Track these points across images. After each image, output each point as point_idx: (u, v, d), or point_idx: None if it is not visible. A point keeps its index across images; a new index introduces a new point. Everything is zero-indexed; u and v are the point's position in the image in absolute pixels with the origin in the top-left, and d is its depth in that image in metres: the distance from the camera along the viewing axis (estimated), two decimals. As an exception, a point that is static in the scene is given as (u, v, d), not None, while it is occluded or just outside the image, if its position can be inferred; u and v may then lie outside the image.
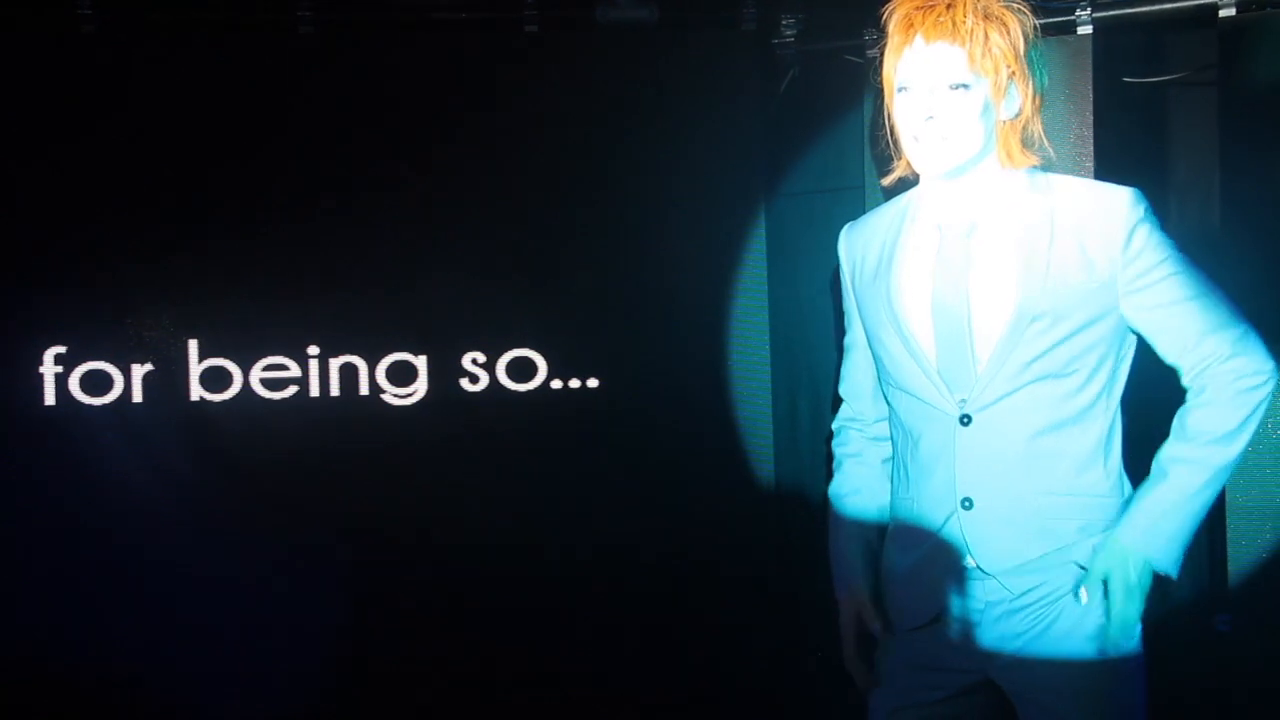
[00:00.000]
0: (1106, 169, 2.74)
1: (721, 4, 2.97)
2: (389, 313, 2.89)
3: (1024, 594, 2.14)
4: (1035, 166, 2.16)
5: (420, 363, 2.91)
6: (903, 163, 2.18)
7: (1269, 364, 2.11)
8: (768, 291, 2.97)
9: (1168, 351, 2.13)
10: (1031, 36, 2.11)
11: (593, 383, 2.96)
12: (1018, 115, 2.12)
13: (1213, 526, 2.71)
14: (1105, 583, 2.09)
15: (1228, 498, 2.63)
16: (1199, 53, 2.83)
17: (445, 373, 2.91)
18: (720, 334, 2.98)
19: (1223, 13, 2.65)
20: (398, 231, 2.90)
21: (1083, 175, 2.75)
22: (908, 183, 2.23)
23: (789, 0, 2.99)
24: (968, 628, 2.19)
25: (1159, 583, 2.11)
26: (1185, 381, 2.13)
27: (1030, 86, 2.12)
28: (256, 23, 2.88)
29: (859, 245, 2.32)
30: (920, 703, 2.24)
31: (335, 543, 2.90)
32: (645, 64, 2.95)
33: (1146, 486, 2.12)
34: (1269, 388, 2.10)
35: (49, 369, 2.79)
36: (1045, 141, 2.16)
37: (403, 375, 2.90)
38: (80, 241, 2.79)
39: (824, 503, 2.44)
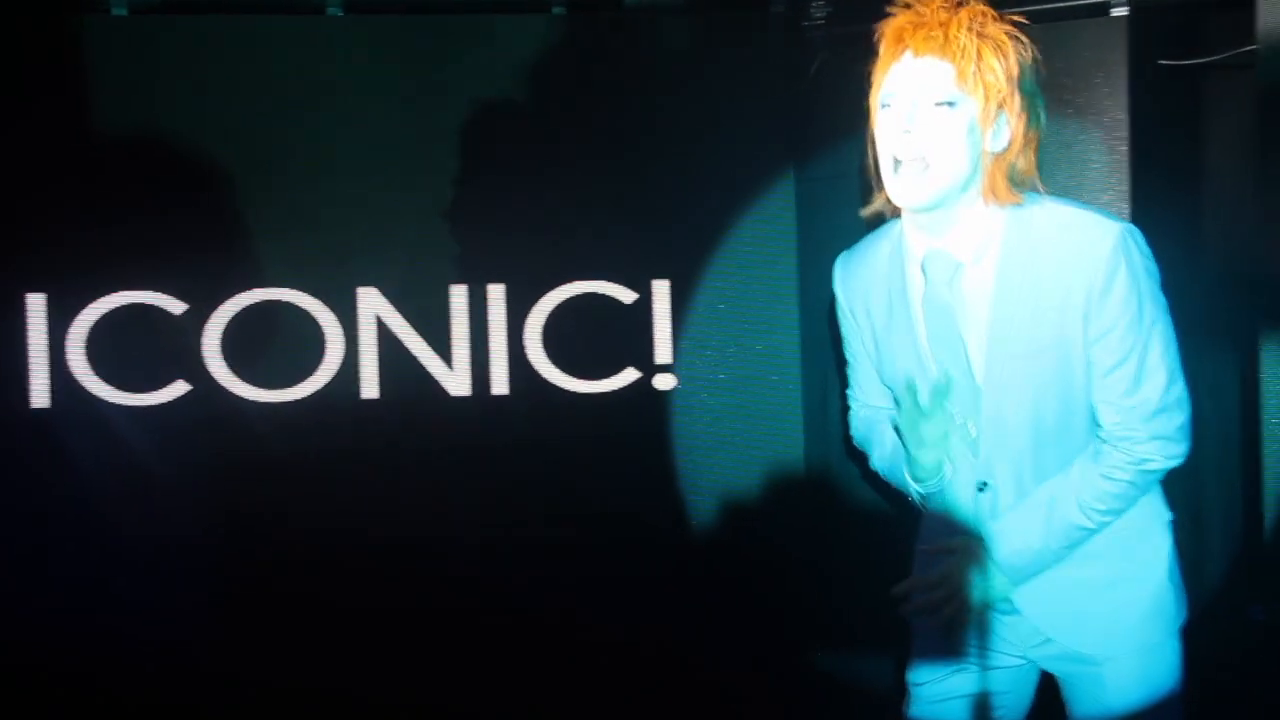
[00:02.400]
0: (1141, 153, 2.73)
1: None
2: (418, 307, 2.89)
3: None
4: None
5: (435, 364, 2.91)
6: (882, 195, 2.10)
7: (1162, 454, 2.08)
8: (797, 274, 2.95)
9: (1097, 401, 2.09)
10: (1028, 67, 2.03)
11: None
12: (1006, 148, 2.04)
13: (1248, 517, 2.71)
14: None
15: (1264, 487, 2.60)
16: (1237, 34, 2.78)
17: (478, 369, 2.91)
18: (749, 318, 2.96)
19: None
20: (418, 218, 2.90)
21: (1116, 160, 2.74)
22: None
23: None
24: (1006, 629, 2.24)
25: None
26: (1100, 433, 2.11)
27: (1023, 120, 2.03)
28: (288, 4, 2.89)
29: (859, 286, 2.28)
30: (959, 673, 2.27)
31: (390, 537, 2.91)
32: (673, 46, 2.93)
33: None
34: (1156, 468, 2.10)
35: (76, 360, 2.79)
36: (1037, 180, 2.08)
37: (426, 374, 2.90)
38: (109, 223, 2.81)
39: (852, 488, 2.46)
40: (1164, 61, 2.85)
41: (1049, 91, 2.72)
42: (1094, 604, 2.15)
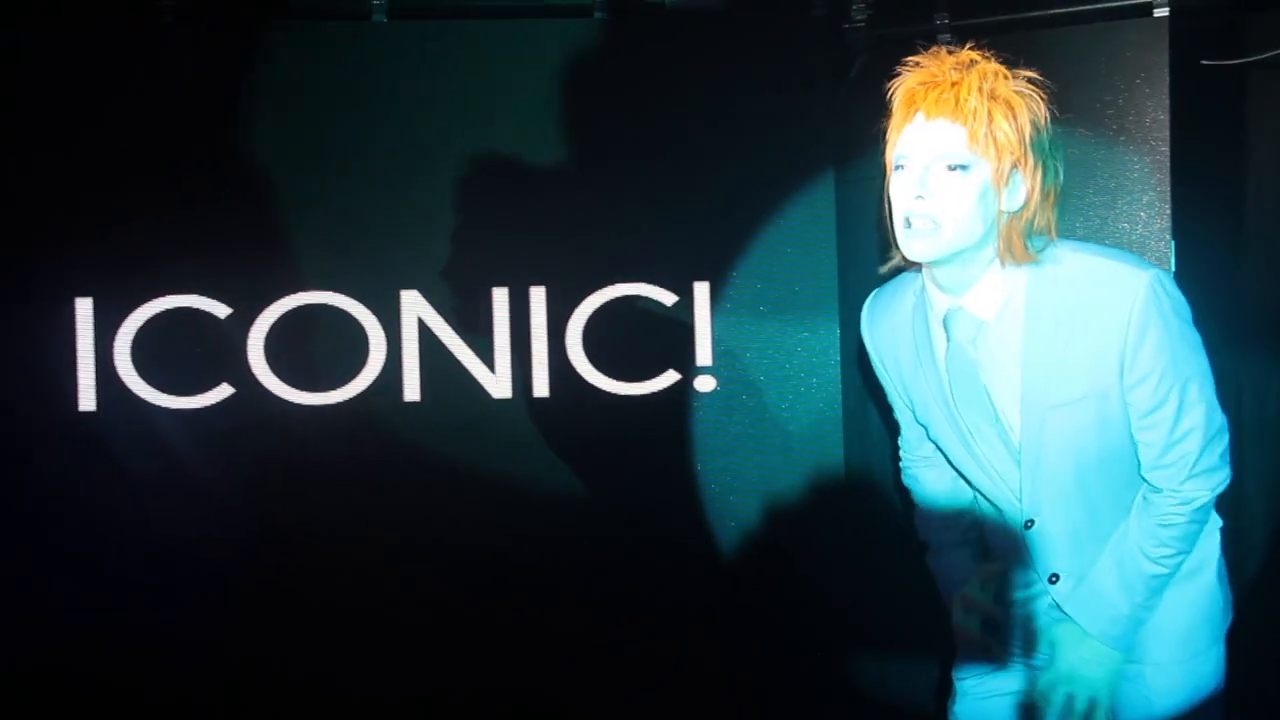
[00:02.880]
0: (1182, 152, 2.73)
1: None
2: (460, 309, 2.93)
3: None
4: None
5: (477, 366, 2.94)
6: (899, 253, 2.08)
7: (1208, 486, 2.09)
8: (838, 276, 2.97)
9: (1139, 442, 2.10)
10: (1043, 124, 2.00)
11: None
12: (1022, 208, 2.01)
13: None
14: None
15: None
16: (1277, 35, 2.79)
17: (520, 372, 2.93)
18: (789, 320, 2.98)
19: None
20: (460, 222, 2.93)
21: (1158, 160, 2.74)
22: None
23: None
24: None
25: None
26: (1145, 475, 2.12)
27: (1038, 177, 2.00)
28: (335, 11, 2.93)
29: (884, 336, 2.27)
30: (1006, 671, 2.28)
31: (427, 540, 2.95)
32: (714, 49, 2.95)
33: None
34: (1208, 500, 2.11)
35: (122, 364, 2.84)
36: (1054, 235, 2.05)
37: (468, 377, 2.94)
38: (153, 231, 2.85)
39: (892, 492, 2.45)
40: (1206, 62, 2.85)
41: (1090, 90, 2.77)
42: (1179, 617, 2.16)
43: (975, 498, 2.32)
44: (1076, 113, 2.79)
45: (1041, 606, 2.22)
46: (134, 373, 2.84)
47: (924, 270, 2.12)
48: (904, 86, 2.02)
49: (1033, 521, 2.15)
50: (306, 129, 2.87)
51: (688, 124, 2.94)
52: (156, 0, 2.83)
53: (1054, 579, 2.16)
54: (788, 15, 2.98)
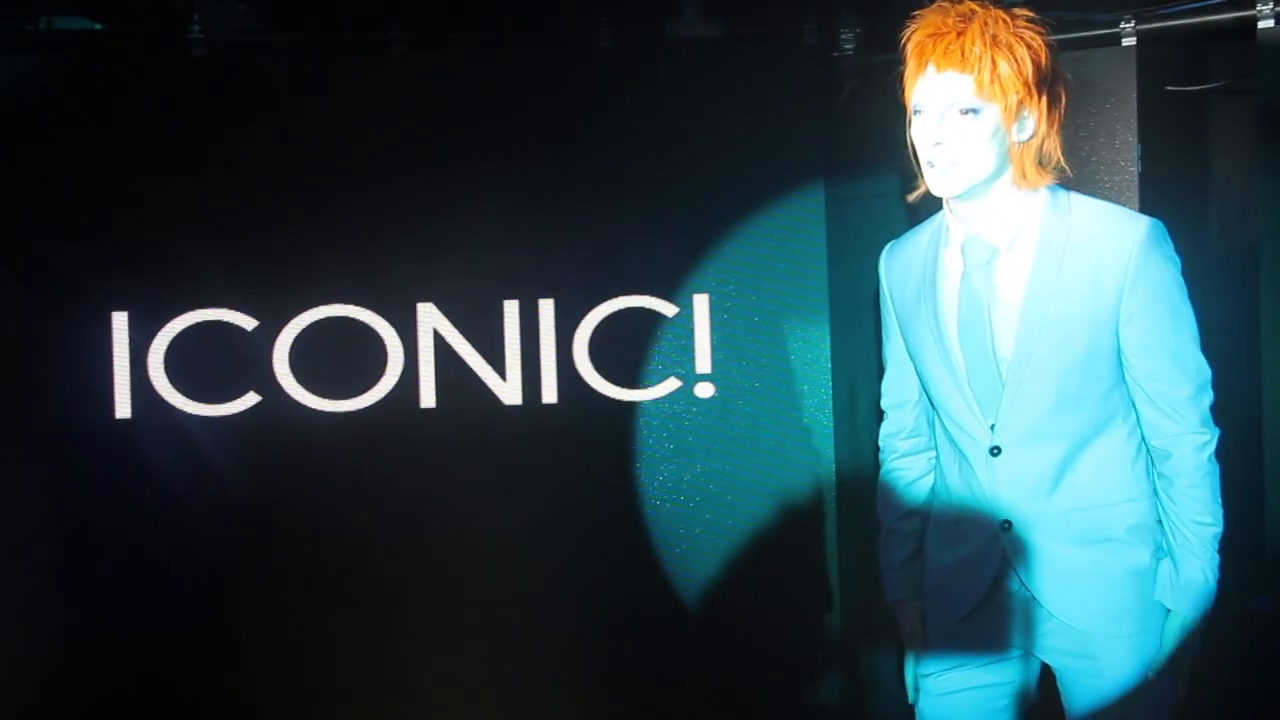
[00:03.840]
0: (1150, 175, 2.84)
1: (784, 19, 3.06)
2: (473, 321, 3.03)
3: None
4: (1056, 185, 2.22)
5: (489, 374, 3.04)
6: (924, 183, 2.24)
7: (1210, 431, 2.20)
8: (828, 289, 3.05)
9: (1138, 400, 2.22)
10: (1044, 60, 2.14)
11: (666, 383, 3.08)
12: (1031, 136, 2.17)
13: (1252, 506, 2.77)
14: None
15: (1267, 476, 2.71)
16: (1239, 63, 2.90)
17: (530, 379, 3.03)
18: (783, 330, 3.07)
19: (1261, 25, 2.73)
20: (473, 241, 3.03)
21: (1127, 180, 2.85)
22: (933, 197, 2.29)
23: (848, 15, 3.08)
24: (1009, 618, 2.30)
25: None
26: (1151, 443, 2.23)
27: (1043, 107, 2.15)
28: (353, 43, 3.06)
29: (898, 267, 2.40)
30: (963, 668, 2.35)
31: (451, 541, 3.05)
32: (713, 77, 3.05)
33: (1184, 568, 2.22)
34: (1213, 446, 2.21)
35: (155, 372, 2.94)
36: (1063, 160, 2.20)
37: (481, 385, 3.04)
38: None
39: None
40: (1171, 88, 2.97)
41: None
42: (1099, 584, 2.22)
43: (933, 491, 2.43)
44: (1050, 135, 2.91)
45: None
46: (167, 382, 2.94)
47: (945, 204, 2.27)
48: (914, 39, 2.17)
49: (999, 449, 2.23)
50: (329, 154, 2.98)
51: (688, 147, 3.03)
52: (188, 27, 2.93)
53: (1006, 525, 2.24)
54: (781, 44, 3.07)
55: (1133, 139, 2.86)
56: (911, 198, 2.31)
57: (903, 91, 2.22)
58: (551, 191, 3.03)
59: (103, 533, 2.94)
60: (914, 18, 2.20)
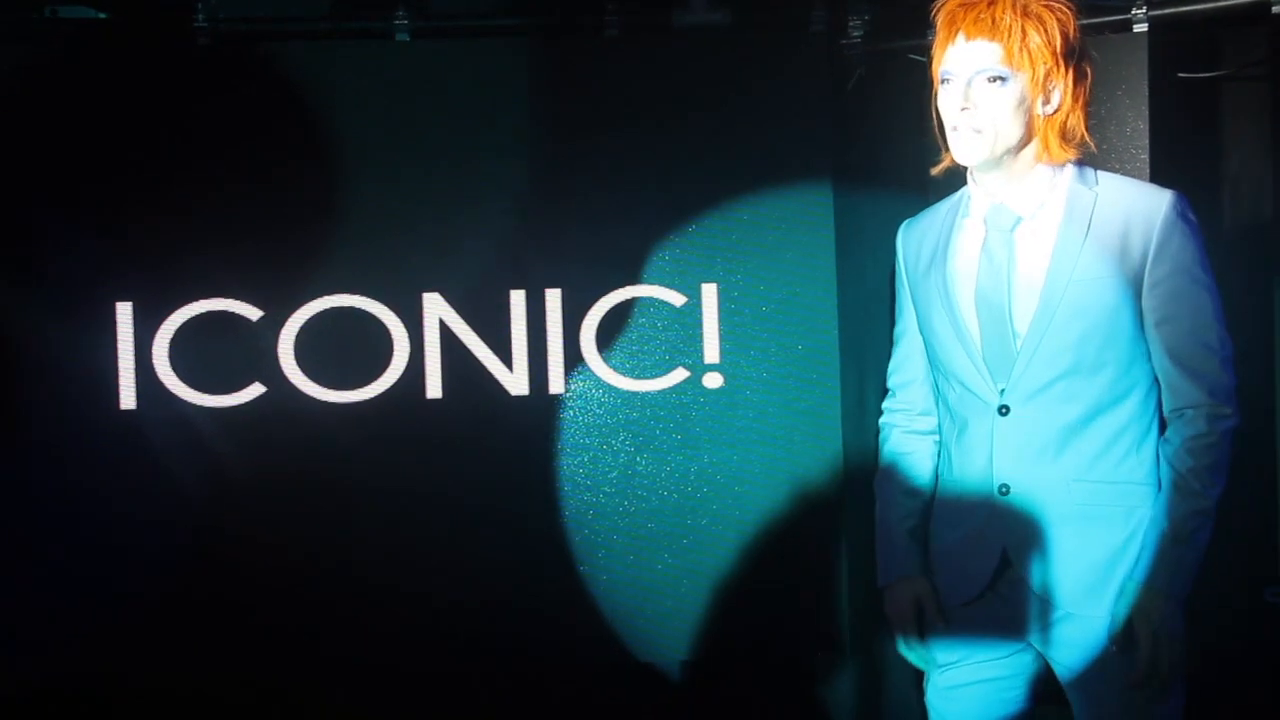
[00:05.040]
0: (1161, 161, 2.83)
1: (791, 7, 3.06)
2: (480, 311, 3.03)
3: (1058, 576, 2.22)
4: (1081, 161, 2.22)
5: (495, 365, 3.04)
6: (949, 155, 2.25)
7: (1230, 408, 2.17)
8: (836, 278, 3.05)
9: (1157, 366, 2.19)
10: (1072, 34, 2.16)
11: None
12: (1057, 110, 2.18)
13: (1264, 498, 2.79)
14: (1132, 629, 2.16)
15: (1278, 469, 2.71)
16: (1252, 48, 2.90)
17: (536, 370, 3.03)
18: (791, 320, 3.06)
19: (1275, 9, 2.73)
20: (479, 230, 3.03)
21: (1138, 167, 2.84)
22: (956, 174, 2.30)
23: (855, 3, 3.08)
24: (1009, 606, 2.27)
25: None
26: (1166, 411, 2.20)
27: (1069, 81, 2.17)
28: (358, 32, 3.06)
29: (914, 240, 2.41)
30: (970, 661, 2.34)
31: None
32: (721, 65, 3.04)
33: (1154, 532, 2.17)
34: (1230, 425, 2.17)
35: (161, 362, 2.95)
36: (1087, 135, 2.22)
37: (487, 375, 3.03)
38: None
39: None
40: (1183, 74, 2.96)
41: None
42: (1091, 563, 2.20)
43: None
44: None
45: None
46: (171, 373, 2.95)
47: (969, 176, 2.29)
48: (945, 9, 2.20)
49: (1008, 408, 2.22)
50: (334, 143, 2.98)
51: (695, 136, 3.02)
52: (193, 21, 2.94)
53: (1004, 489, 2.23)
54: (788, 32, 3.07)
55: (1144, 126, 2.85)
56: (935, 170, 2.33)
57: (930, 63, 2.25)
58: (558, 181, 3.04)
59: (108, 525, 2.95)
60: None
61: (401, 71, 3.02)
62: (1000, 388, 2.23)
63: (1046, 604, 2.23)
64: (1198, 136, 3.04)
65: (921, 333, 2.40)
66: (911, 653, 2.43)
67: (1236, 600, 2.83)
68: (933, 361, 2.39)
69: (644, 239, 3.05)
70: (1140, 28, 2.87)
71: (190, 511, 2.97)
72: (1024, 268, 2.21)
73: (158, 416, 2.96)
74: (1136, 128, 2.86)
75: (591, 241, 3.04)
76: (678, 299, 3.06)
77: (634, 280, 3.05)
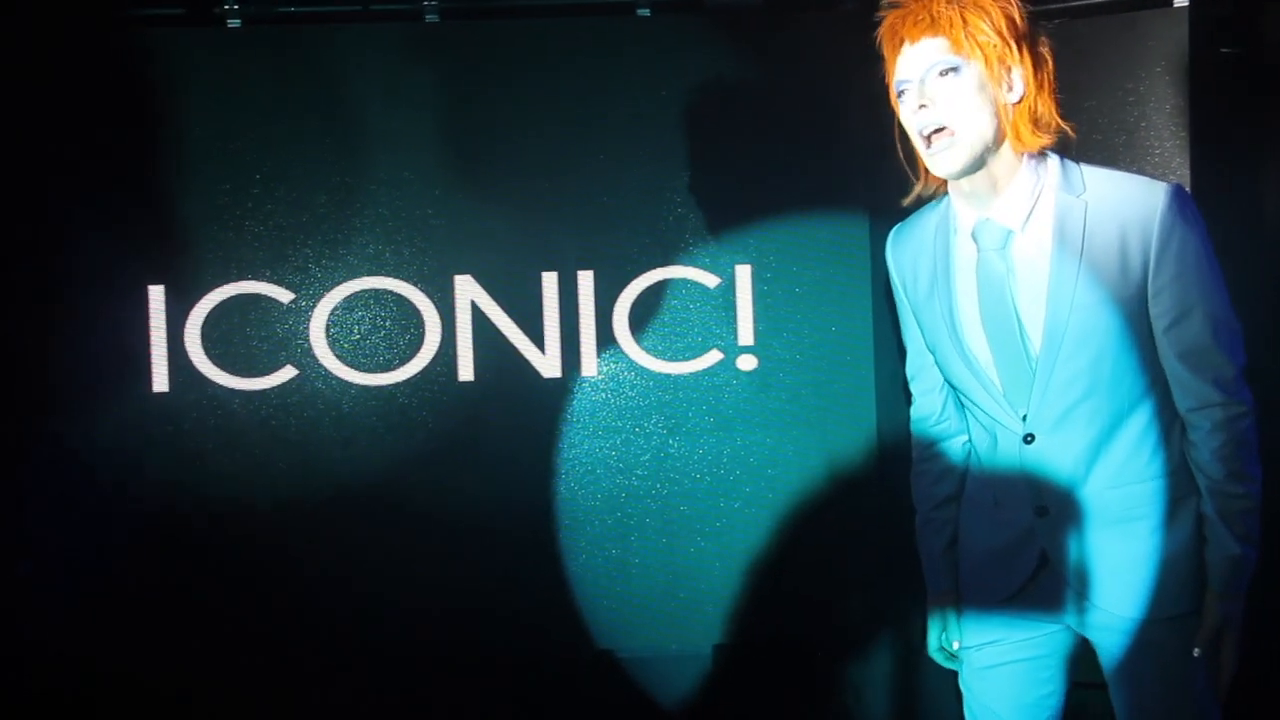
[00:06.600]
0: (1203, 139, 2.80)
1: None
2: (512, 293, 3.03)
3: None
4: (1064, 158, 2.18)
5: (527, 347, 3.04)
6: (920, 180, 2.22)
7: (1243, 400, 2.14)
8: (870, 259, 3.03)
9: (1166, 367, 2.16)
10: (1018, 16, 2.11)
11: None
12: (1022, 97, 2.13)
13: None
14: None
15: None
16: None
17: (569, 352, 3.03)
18: (825, 301, 3.05)
19: None
20: (511, 212, 3.02)
21: (1178, 145, 2.81)
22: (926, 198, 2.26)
23: None
24: (1046, 594, 2.27)
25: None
26: (1182, 412, 2.17)
27: (1027, 64, 2.12)
28: (387, 15, 3.05)
29: (907, 257, 2.36)
30: (1007, 641, 2.33)
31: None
32: (753, 44, 3.02)
33: (1212, 540, 2.16)
34: (1249, 419, 2.15)
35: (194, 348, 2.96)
36: (1059, 120, 2.17)
37: (519, 357, 3.04)
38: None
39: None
40: (1225, 49, 2.92)
41: (1112, 79, 2.83)
42: (1135, 565, 2.18)
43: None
44: (1098, 100, 2.88)
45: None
46: (204, 355, 2.97)
47: (950, 189, 2.24)
48: (885, 26, 2.17)
49: (1034, 436, 2.20)
50: (362, 128, 2.98)
51: (727, 116, 3.01)
52: (222, 3, 2.95)
53: (1042, 511, 2.21)
54: (820, 12, 3.05)
55: (1184, 104, 2.82)
56: (906, 201, 2.30)
57: (887, 90, 2.20)
58: (590, 162, 3.03)
59: (137, 506, 2.97)
60: (881, 11, 2.19)
61: (430, 52, 3.01)
62: (1022, 414, 2.21)
63: (1083, 594, 2.22)
64: (1240, 113, 2.99)
65: (932, 353, 2.37)
66: (940, 653, 2.45)
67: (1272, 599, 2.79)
68: (949, 383, 2.37)
69: (677, 220, 3.04)
70: (1180, 2, 2.83)
71: (222, 493, 2.98)
72: (1025, 283, 2.17)
73: (189, 399, 2.97)
74: (1177, 104, 2.83)
75: (624, 223, 3.03)
76: (711, 280, 3.05)
77: (667, 262, 3.04)
